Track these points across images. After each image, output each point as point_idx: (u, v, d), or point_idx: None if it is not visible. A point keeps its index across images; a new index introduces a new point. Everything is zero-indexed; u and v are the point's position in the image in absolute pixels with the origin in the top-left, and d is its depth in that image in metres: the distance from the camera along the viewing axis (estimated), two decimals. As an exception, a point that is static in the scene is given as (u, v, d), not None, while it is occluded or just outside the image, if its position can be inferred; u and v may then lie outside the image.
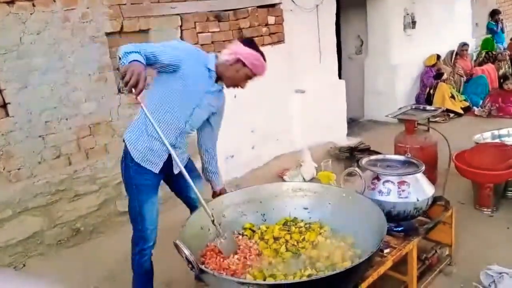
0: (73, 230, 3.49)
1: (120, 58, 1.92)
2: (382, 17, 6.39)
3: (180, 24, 3.94)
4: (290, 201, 2.39)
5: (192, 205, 2.47)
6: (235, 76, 2.27)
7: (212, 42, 4.17)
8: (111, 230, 3.60)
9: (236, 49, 2.22)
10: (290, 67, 4.89)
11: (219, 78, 2.29)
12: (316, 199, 2.37)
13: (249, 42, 2.30)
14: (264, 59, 2.28)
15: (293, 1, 4.81)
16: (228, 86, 2.34)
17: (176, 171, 2.35)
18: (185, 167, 2.34)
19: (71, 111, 3.40)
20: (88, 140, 3.54)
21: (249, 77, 2.28)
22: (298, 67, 4.99)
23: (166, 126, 2.21)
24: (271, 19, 4.62)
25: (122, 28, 3.56)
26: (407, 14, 6.62)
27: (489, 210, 3.56)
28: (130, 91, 1.86)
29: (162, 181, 2.46)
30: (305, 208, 2.37)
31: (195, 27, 4.04)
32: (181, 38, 3.97)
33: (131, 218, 2.38)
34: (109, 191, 3.62)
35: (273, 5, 4.64)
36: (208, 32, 4.13)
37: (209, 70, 2.24)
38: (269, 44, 4.64)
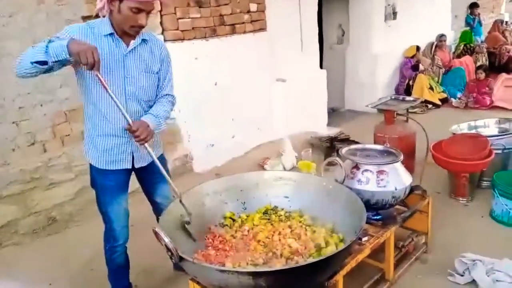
0: (49, 219, 3.41)
1: (46, 52, 1.80)
2: (364, 8, 6.41)
3: (160, 9, 3.86)
4: (271, 190, 2.39)
5: (158, 209, 2.39)
6: (122, 19, 1.99)
7: (193, 28, 4.11)
8: (88, 219, 3.53)
9: None
10: (272, 56, 4.86)
11: (125, 34, 2.06)
12: (297, 188, 2.37)
13: None
14: None
15: (275, -11, 4.77)
16: (132, 34, 2.06)
17: (137, 165, 2.26)
18: (155, 163, 2.28)
19: (46, 97, 3.31)
20: (63, 126, 3.45)
21: (137, 9, 1.96)
22: (279, 56, 4.96)
23: (113, 115, 2.11)
24: (253, 6, 4.57)
25: (99, 11, 3.45)
26: (388, 5, 6.66)
27: (465, 199, 3.64)
28: (91, 69, 1.84)
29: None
30: (286, 197, 2.37)
31: (175, 13, 3.96)
32: (161, 23, 3.89)
33: (101, 216, 2.35)
34: (86, 179, 3.48)
35: (255, -8, 4.59)
36: (189, 18, 4.06)
37: (109, 35, 2.04)
38: (251, 31, 4.60)
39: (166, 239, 1.69)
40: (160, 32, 3.88)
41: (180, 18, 3.99)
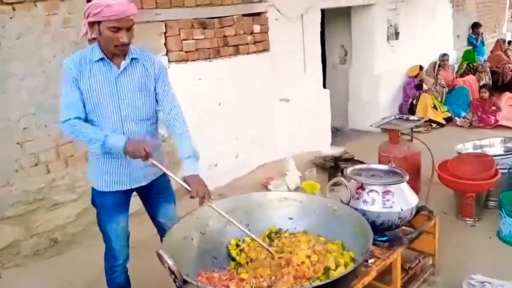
0: (51, 240, 3.38)
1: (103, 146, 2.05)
2: (366, 28, 6.47)
3: (164, 31, 3.91)
4: (275, 211, 2.36)
5: (161, 230, 2.38)
6: (105, 40, 2.03)
7: (197, 50, 4.15)
8: (90, 240, 3.49)
9: (84, 17, 2.04)
10: (275, 76, 4.89)
11: (115, 55, 2.10)
12: (302, 209, 2.35)
13: None
14: None
15: (278, 10, 4.83)
16: (119, 53, 2.09)
17: (135, 186, 2.27)
18: (157, 182, 2.26)
19: (50, 118, 3.31)
20: (67, 147, 3.45)
21: (114, 27, 1.98)
22: (283, 76, 5.00)
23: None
24: (256, 28, 4.62)
25: (105, 33, 3.50)
26: (391, 25, 6.72)
27: (471, 220, 3.59)
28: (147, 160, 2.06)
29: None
30: (290, 218, 2.35)
31: (179, 34, 4.00)
32: (165, 44, 3.93)
33: (102, 235, 2.35)
34: (89, 200, 3.49)
35: (258, 14, 4.65)
36: (193, 39, 4.11)
37: (100, 60, 2.08)
38: (254, 52, 4.64)
39: (170, 262, 1.66)
40: (165, 53, 3.92)
41: (184, 40, 4.04)
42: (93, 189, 2.30)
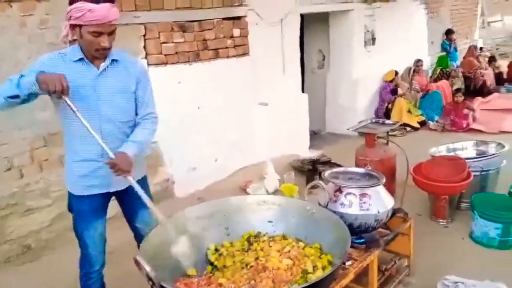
0: (24, 246, 3.30)
1: (18, 86, 1.90)
2: (344, 33, 6.58)
3: (143, 33, 3.88)
4: (254, 214, 2.37)
5: (139, 235, 2.35)
6: (86, 44, 2.01)
7: (176, 53, 4.13)
8: (65, 246, 3.42)
9: (65, 19, 2.00)
10: (254, 80, 4.92)
11: (95, 57, 2.07)
12: (280, 212, 2.36)
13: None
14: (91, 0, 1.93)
15: (258, 15, 4.86)
16: (100, 57, 2.07)
17: (112, 189, 2.23)
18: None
19: (25, 121, 3.24)
20: (42, 151, 3.38)
21: (96, 32, 1.97)
22: (262, 80, 5.03)
23: (87, 139, 2.08)
24: (236, 32, 4.64)
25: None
26: (368, 31, 6.85)
27: (445, 221, 3.69)
28: (60, 97, 1.92)
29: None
30: (269, 221, 2.36)
31: (159, 37, 3.99)
32: (144, 47, 3.91)
33: (78, 240, 2.31)
34: (64, 205, 3.41)
35: (238, 18, 4.67)
36: (172, 42, 4.09)
37: (79, 60, 2.06)
38: (234, 56, 4.65)
39: (147, 268, 1.65)
40: (144, 56, 3.90)
41: (163, 43, 4.02)
42: (69, 193, 2.26)
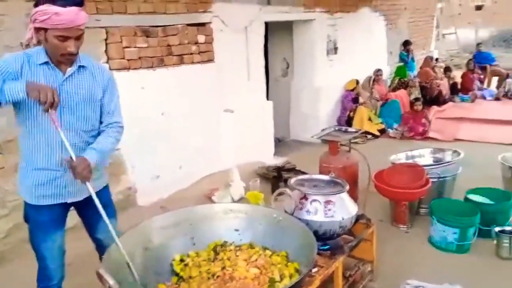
0: (-25, 259, 3.11)
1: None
2: (307, 42, 6.69)
3: (105, 37, 3.78)
4: (221, 223, 2.35)
5: (100, 247, 2.26)
6: (51, 48, 1.93)
7: (139, 58, 4.06)
8: (22, 258, 3.25)
9: (29, 21, 1.90)
10: (220, 86, 4.90)
11: (61, 62, 1.99)
12: (247, 220, 2.35)
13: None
14: (57, 3, 1.84)
15: (223, 22, 4.86)
16: (65, 62, 1.99)
17: (71, 200, 2.14)
18: (97, 196, 2.17)
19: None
20: (-3, 159, 3.21)
21: (62, 36, 1.88)
22: (227, 86, 5.02)
23: (46, 148, 2.01)
24: (201, 38, 4.61)
25: (41, 38, 3.31)
26: (330, 41, 7.01)
27: (405, 226, 3.80)
28: (47, 110, 1.82)
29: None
30: (236, 230, 2.34)
31: (121, 42, 3.90)
32: (106, 52, 3.81)
33: (35, 253, 2.19)
34: (20, 216, 3.26)
35: (203, 24, 4.64)
36: (135, 47, 4.01)
37: (44, 64, 1.97)
38: (199, 62, 4.62)
39: (111, 281, 1.59)
40: (105, 61, 3.79)
41: (126, 47, 3.93)
42: (25, 203, 2.15)
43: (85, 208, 2.24)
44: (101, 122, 2.18)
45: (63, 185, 2.09)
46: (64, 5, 1.83)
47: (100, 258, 2.04)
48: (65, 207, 2.19)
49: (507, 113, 7.69)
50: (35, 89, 1.80)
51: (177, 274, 2.13)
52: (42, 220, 2.11)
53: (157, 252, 2.11)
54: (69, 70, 2.01)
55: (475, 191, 3.79)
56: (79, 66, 2.04)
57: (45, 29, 1.88)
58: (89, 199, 2.16)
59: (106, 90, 2.14)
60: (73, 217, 2.31)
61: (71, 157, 1.93)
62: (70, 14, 1.84)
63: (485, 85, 10.07)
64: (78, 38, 1.94)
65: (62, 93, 2.00)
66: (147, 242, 2.13)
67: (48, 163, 2.05)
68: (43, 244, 2.13)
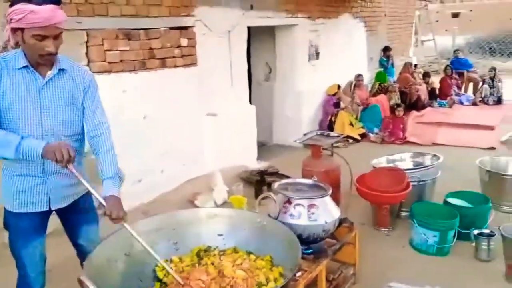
0: (-51, 268, 3.00)
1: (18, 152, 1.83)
2: (289, 47, 6.73)
3: (86, 40, 3.72)
4: (205, 228, 2.33)
5: (82, 253, 2.22)
6: (29, 49, 1.87)
7: (121, 61, 4.01)
8: (1, 266, 3.16)
9: (6, 22, 1.86)
10: (202, 90, 4.88)
11: (40, 64, 1.94)
12: (231, 225, 2.34)
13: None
14: (33, 1, 1.78)
15: (206, 25, 4.85)
16: (45, 63, 1.94)
17: (54, 207, 2.09)
18: (79, 202, 2.12)
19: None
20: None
21: (40, 35, 1.83)
22: (210, 90, 5.00)
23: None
24: (183, 41, 4.59)
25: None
26: (312, 46, 7.07)
27: (386, 229, 3.85)
28: (66, 167, 1.84)
29: None
30: (220, 235, 2.33)
31: (102, 44, 3.84)
32: (87, 54, 3.75)
33: (15, 261, 2.14)
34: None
35: (186, 28, 4.62)
36: (117, 50, 3.96)
37: (23, 68, 1.92)
38: (182, 66, 4.60)
39: (93, 288, 1.56)
40: (86, 64, 3.73)
41: (107, 50, 3.88)
42: (5, 210, 2.08)
43: (67, 213, 2.19)
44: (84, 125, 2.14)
45: (44, 192, 2.04)
46: (40, 3, 1.79)
47: (82, 264, 2.00)
48: (47, 213, 2.13)
49: (484, 118, 7.91)
50: (50, 151, 1.82)
51: (160, 280, 2.10)
52: (22, 227, 2.06)
53: (140, 258, 2.08)
54: (49, 74, 1.97)
55: (454, 194, 3.87)
56: (59, 70, 2.00)
57: (22, 29, 1.83)
58: (71, 204, 2.13)
59: (87, 92, 2.09)
60: (53, 222, 2.25)
61: (101, 204, 1.93)
62: (46, 12, 1.80)
63: (462, 91, 10.33)
64: (57, 37, 1.89)
65: (43, 97, 1.96)
66: (129, 247, 2.09)
67: (29, 169, 2.00)
68: (23, 251, 2.08)
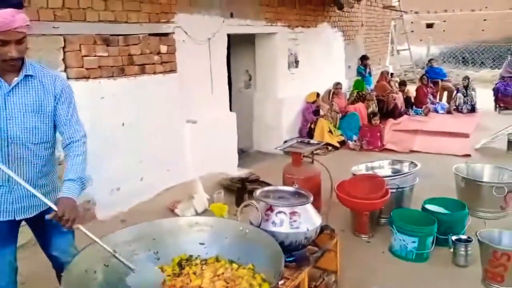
0: None
1: None
2: (269, 55, 6.78)
3: (63, 45, 3.64)
4: (186, 237, 2.29)
5: (56, 264, 2.17)
6: None
7: (99, 67, 3.94)
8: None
9: None
10: (182, 97, 4.84)
11: (6, 71, 1.90)
12: (213, 234, 2.31)
13: None
14: None
15: (185, 32, 4.83)
16: (9, 69, 1.89)
17: (18, 217, 2.02)
18: (49, 212, 2.03)
19: None
20: None
21: (0, 41, 1.79)
22: (190, 97, 4.97)
23: None
24: (163, 48, 4.55)
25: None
26: (291, 54, 7.14)
27: (366, 236, 3.88)
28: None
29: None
30: (202, 244, 2.29)
31: (80, 50, 3.77)
32: (64, 60, 3.67)
33: None
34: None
35: (165, 34, 4.59)
36: (95, 56, 3.89)
37: None
38: (161, 72, 4.55)
39: (71, 300, 1.50)
40: (63, 69, 3.65)
41: (85, 56, 3.80)
42: None
43: (37, 224, 2.12)
44: (61, 134, 2.08)
45: (10, 201, 1.98)
46: None
47: (58, 276, 1.93)
48: (15, 223, 2.06)
49: (459, 126, 8.12)
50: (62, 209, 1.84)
51: (140, 290, 2.04)
52: None
53: (119, 269, 2.02)
54: (15, 80, 1.91)
55: (431, 201, 3.94)
56: (26, 76, 1.94)
57: None
58: (41, 215, 2.05)
59: (59, 99, 2.03)
60: (26, 233, 2.18)
61: (54, 211, 1.84)
62: (5, 17, 1.76)
63: (437, 99, 10.59)
64: (19, 42, 1.84)
65: (8, 104, 1.90)
66: (108, 258, 2.03)
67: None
68: None
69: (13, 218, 2.01)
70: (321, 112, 7.43)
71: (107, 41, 3.99)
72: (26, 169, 1.98)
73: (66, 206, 1.86)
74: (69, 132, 2.06)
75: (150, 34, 4.41)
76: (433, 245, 3.46)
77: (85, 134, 2.14)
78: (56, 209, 1.84)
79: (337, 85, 8.22)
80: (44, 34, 3.46)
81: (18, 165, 1.95)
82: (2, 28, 1.76)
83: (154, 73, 4.48)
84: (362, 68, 9.96)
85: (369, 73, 10.05)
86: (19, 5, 1.84)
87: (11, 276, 2.09)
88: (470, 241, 3.34)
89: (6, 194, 1.96)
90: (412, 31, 17.52)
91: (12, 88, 1.91)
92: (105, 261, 2.02)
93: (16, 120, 1.92)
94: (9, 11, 1.77)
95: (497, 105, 9.94)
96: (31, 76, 1.96)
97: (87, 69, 3.84)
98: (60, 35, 3.62)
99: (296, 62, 7.27)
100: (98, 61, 3.93)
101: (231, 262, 2.19)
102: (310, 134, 7.14)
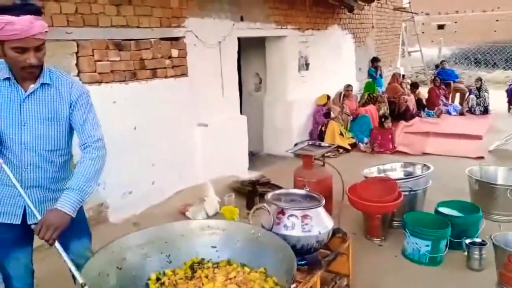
0: None
1: None
2: (279, 58, 6.78)
3: (76, 50, 3.69)
4: (198, 240, 2.29)
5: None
6: (10, 62, 1.84)
7: (112, 71, 3.98)
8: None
9: None
10: (193, 101, 4.87)
11: (24, 78, 1.90)
12: (225, 237, 2.31)
13: None
14: (10, 12, 1.74)
15: (196, 36, 4.86)
16: (28, 77, 1.90)
17: (30, 221, 2.00)
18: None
19: None
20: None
21: (20, 48, 1.78)
22: (201, 101, 4.99)
23: (9, 164, 1.89)
24: (174, 52, 4.58)
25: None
26: (301, 57, 7.13)
27: (379, 239, 3.84)
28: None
29: None
30: (213, 247, 2.29)
31: (93, 55, 3.82)
32: (77, 65, 3.72)
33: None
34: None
35: (176, 39, 4.62)
36: (108, 60, 3.94)
37: (6, 79, 1.89)
38: (172, 76, 4.58)
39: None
40: (76, 74, 3.70)
41: (98, 61, 3.85)
42: None
43: None
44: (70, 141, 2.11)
45: (20, 204, 1.98)
46: (17, 14, 1.73)
47: (73, 279, 1.94)
48: (29, 226, 2.05)
49: (471, 127, 8.03)
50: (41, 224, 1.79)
51: (152, 294, 2.06)
52: (2, 238, 2.01)
53: (132, 271, 2.04)
54: (31, 88, 1.92)
55: (445, 204, 3.89)
56: (42, 84, 1.94)
57: (2, 42, 1.78)
58: None
59: (75, 106, 2.01)
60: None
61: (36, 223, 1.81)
62: (24, 23, 1.74)
63: (449, 101, 10.49)
64: (38, 49, 1.84)
65: (23, 111, 1.92)
66: (121, 261, 2.05)
67: (6, 178, 1.93)
68: (6, 263, 2.03)
69: (20, 222, 2.01)
70: (332, 115, 7.40)
71: (119, 46, 4.04)
72: (39, 175, 1.99)
73: (46, 220, 1.79)
74: (83, 137, 2.05)
75: (161, 39, 4.45)
76: (447, 249, 3.42)
77: (99, 138, 2.09)
78: (39, 217, 1.81)
79: (348, 87, 8.19)
80: (57, 40, 3.51)
81: (31, 170, 1.96)
82: (21, 35, 1.75)
83: (166, 77, 4.51)
84: (373, 70, 9.91)
85: (380, 75, 10.00)
86: (37, 12, 1.84)
87: (28, 278, 2.11)
88: (485, 245, 3.29)
89: (17, 197, 1.97)
90: (423, 33, 17.38)
91: (28, 95, 1.92)
92: (118, 264, 2.03)
93: (30, 127, 1.93)
94: (27, 17, 1.76)
95: (510, 107, 9.81)
96: (48, 84, 1.97)
97: (99, 73, 3.88)
98: (73, 40, 3.67)
99: (307, 64, 7.26)
100: (111, 66, 3.97)
101: (243, 265, 2.19)
102: (321, 137, 7.12)
